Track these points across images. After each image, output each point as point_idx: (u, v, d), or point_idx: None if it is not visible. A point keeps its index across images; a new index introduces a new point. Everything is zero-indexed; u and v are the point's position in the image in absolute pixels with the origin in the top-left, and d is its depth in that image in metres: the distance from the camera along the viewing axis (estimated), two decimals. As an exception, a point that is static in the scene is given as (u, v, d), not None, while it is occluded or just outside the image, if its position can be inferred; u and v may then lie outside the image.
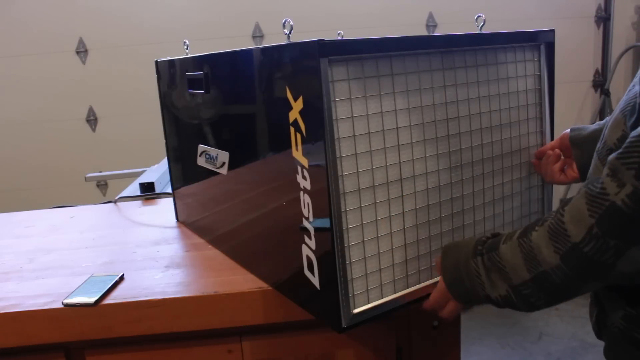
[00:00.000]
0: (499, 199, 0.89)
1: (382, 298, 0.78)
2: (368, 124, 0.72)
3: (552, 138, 0.95)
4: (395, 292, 0.79)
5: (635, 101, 0.64)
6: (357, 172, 0.72)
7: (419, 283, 0.82)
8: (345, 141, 0.71)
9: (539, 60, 0.90)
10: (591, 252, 0.57)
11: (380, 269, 0.77)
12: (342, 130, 0.70)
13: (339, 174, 0.70)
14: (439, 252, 0.81)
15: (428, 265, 0.82)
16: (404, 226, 0.78)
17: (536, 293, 0.63)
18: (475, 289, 0.69)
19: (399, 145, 0.75)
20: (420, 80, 0.77)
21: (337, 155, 0.70)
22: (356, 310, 0.75)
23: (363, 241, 0.74)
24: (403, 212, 0.77)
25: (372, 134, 0.73)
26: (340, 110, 0.70)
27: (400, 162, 0.76)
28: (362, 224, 0.74)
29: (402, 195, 0.77)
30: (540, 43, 0.90)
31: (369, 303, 0.77)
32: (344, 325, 0.74)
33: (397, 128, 0.75)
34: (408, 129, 0.76)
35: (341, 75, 0.69)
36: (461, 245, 0.74)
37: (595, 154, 0.72)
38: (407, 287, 0.80)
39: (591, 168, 0.74)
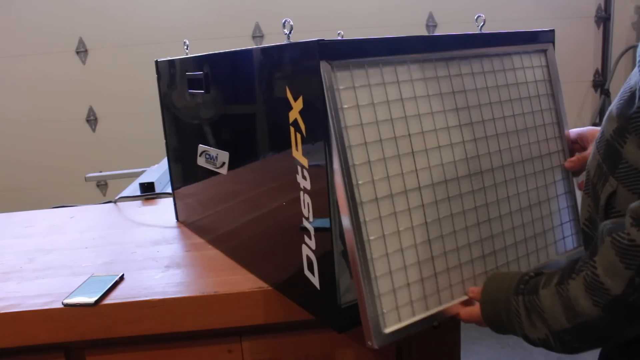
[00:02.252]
0: (526, 207, 0.85)
1: (413, 316, 0.73)
2: (379, 131, 0.70)
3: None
4: (427, 310, 0.74)
5: (633, 90, 0.64)
6: (373, 180, 0.70)
7: (452, 299, 0.77)
8: (357, 149, 0.69)
9: (547, 66, 0.89)
10: (638, 300, 0.57)
11: (408, 284, 0.73)
12: (352, 137, 0.68)
13: (354, 183, 0.68)
14: (468, 265, 0.78)
15: (460, 280, 0.78)
16: (428, 237, 0.74)
17: (579, 339, 0.63)
18: (513, 325, 0.68)
19: (413, 152, 0.73)
20: (428, 87, 0.75)
21: (350, 163, 0.68)
22: (388, 330, 0.71)
23: (387, 254, 0.71)
24: (426, 222, 0.74)
25: (384, 141, 0.71)
26: (349, 117, 0.68)
27: (416, 169, 0.73)
28: (383, 235, 0.71)
29: (423, 204, 0.74)
30: (545, 48, 0.89)
31: (400, 322, 0.72)
32: (375, 347, 0.69)
33: (409, 135, 0.73)
34: (421, 136, 0.74)
35: (346, 83, 0.68)
36: (504, 279, 0.72)
37: (594, 144, 0.72)
38: (440, 304, 0.76)
39: (590, 157, 0.74)
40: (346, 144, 0.68)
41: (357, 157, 0.69)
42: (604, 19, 3.18)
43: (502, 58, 0.84)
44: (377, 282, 0.70)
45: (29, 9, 2.92)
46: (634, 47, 3.18)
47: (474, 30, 0.87)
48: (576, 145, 0.92)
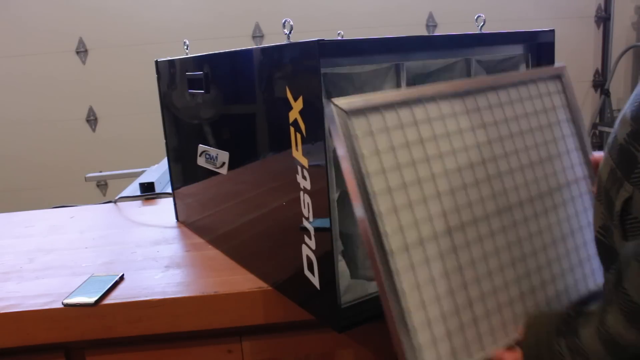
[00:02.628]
0: (560, 239, 0.82)
1: None
2: (402, 175, 0.67)
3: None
4: (471, 358, 0.70)
5: None
6: (401, 227, 0.66)
7: (495, 343, 0.72)
8: (382, 196, 0.66)
9: (564, 92, 0.87)
10: None
11: (449, 333, 0.68)
12: (375, 184, 0.65)
13: (382, 231, 0.65)
14: (508, 307, 0.75)
15: (501, 323, 0.74)
16: (464, 281, 0.70)
17: None
18: None
19: (439, 194, 0.70)
20: (447, 125, 0.72)
21: (376, 211, 0.65)
22: None
23: (423, 304, 0.67)
24: (460, 266, 0.70)
25: (408, 186, 0.67)
26: (371, 164, 0.65)
27: (445, 212, 0.70)
28: (418, 284, 0.67)
29: (455, 247, 0.70)
30: (560, 74, 0.87)
31: None
32: None
33: (433, 177, 0.70)
34: (445, 176, 0.71)
35: (363, 129, 0.66)
36: (544, 321, 0.70)
37: (605, 148, 0.70)
38: (483, 350, 0.71)
39: (601, 162, 0.72)
40: (369, 191, 0.65)
41: (382, 204, 0.65)
42: (604, 19, 3.18)
43: (518, 88, 0.81)
44: (416, 334, 0.66)
45: (29, 9, 2.92)
46: (634, 47, 3.18)
47: (474, 30, 0.87)
48: (597, 170, 0.90)
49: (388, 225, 0.65)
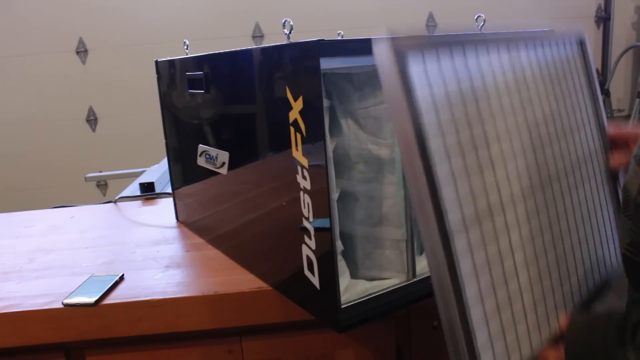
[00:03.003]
0: (587, 217, 0.76)
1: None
2: (460, 141, 0.56)
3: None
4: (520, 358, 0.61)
5: None
6: (458, 198, 0.55)
7: (539, 337, 0.66)
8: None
9: (584, 55, 0.80)
10: None
11: (503, 329, 0.60)
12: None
13: (442, 208, 0.53)
14: (551, 292, 0.68)
15: (545, 312, 0.67)
16: (514, 265, 0.62)
17: None
18: None
19: (492, 162, 0.60)
20: (496, 79, 0.62)
21: (437, 182, 0.52)
22: None
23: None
24: (511, 247, 0.61)
25: (465, 152, 0.56)
26: (429, 123, 0.52)
27: (497, 182, 0.60)
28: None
29: (507, 226, 0.61)
30: (581, 34, 0.80)
31: None
32: None
33: (486, 143, 0.59)
34: (497, 142, 0.61)
35: (423, 75, 0.53)
36: (593, 325, 0.63)
37: (632, 160, 0.65)
38: (531, 347, 0.63)
39: (629, 175, 0.69)
40: (429, 155, 0.51)
41: (441, 171, 0.53)
42: (604, 19, 3.18)
43: (551, 44, 0.74)
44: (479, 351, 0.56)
45: (29, 9, 2.92)
46: (634, 47, 3.18)
47: (473, 30, 0.87)
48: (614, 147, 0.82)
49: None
